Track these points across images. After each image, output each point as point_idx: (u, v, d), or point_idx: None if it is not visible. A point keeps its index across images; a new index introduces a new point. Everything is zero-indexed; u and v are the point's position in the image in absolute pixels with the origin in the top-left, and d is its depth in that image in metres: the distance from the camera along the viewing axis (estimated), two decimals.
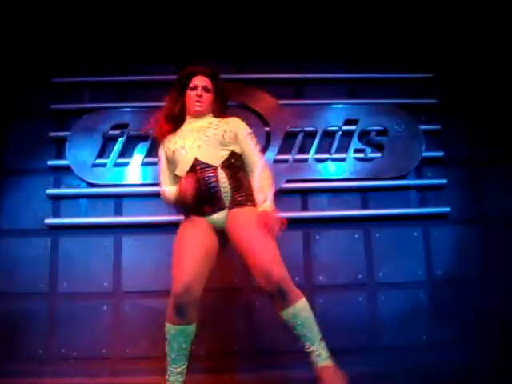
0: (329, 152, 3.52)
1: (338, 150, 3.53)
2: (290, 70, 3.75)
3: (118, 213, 3.45)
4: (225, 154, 2.39)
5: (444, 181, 3.58)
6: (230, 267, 3.13)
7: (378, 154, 3.57)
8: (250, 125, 2.54)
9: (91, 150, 3.44)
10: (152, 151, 3.43)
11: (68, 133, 3.47)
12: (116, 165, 3.45)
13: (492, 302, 3.44)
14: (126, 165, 3.46)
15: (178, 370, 2.27)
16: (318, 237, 3.44)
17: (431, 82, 3.74)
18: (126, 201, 3.46)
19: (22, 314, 3.27)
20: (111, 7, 3.70)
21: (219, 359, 3.19)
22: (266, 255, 2.17)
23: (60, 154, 3.50)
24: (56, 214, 3.42)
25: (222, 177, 2.34)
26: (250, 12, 3.78)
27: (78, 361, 3.22)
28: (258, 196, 2.41)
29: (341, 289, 3.39)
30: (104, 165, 3.44)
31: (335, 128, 3.55)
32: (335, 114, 3.61)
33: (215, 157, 2.37)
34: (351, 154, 3.53)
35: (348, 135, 3.56)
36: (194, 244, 2.31)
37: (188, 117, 2.52)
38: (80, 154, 3.43)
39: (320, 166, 3.52)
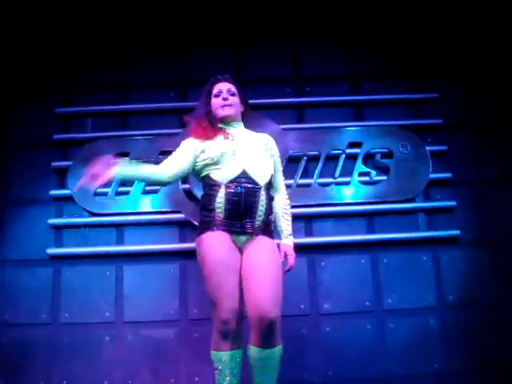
0: (333, 176, 3.46)
1: (342, 174, 3.47)
2: (292, 94, 3.71)
3: (119, 242, 3.42)
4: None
5: (453, 203, 3.48)
6: None
7: (384, 177, 3.48)
8: None
9: None
10: None
11: (70, 162, 3.48)
12: (117, 193, 3.43)
13: (506, 326, 3.31)
14: (127, 193, 3.43)
15: None
16: (323, 263, 3.35)
17: (437, 102, 3.67)
18: (128, 230, 3.44)
19: (24, 345, 3.25)
20: (111, 37, 3.75)
21: None
22: (269, 294, 2.12)
23: (62, 184, 3.50)
24: (58, 244, 3.41)
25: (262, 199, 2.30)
26: (248, 35, 3.79)
27: None
28: (282, 224, 2.43)
29: (348, 317, 3.29)
30: (105, 194, 3.42)
31: (339, 151, 3.48)
32: (338, 137, 3.54)
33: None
34: (356, 178, 3.46)
35: (352, 158, 3.49)
36: (232, 265, 2.20)
37: (219, 125, 2.46)
38: None
39: (324, 190, 3.45)
